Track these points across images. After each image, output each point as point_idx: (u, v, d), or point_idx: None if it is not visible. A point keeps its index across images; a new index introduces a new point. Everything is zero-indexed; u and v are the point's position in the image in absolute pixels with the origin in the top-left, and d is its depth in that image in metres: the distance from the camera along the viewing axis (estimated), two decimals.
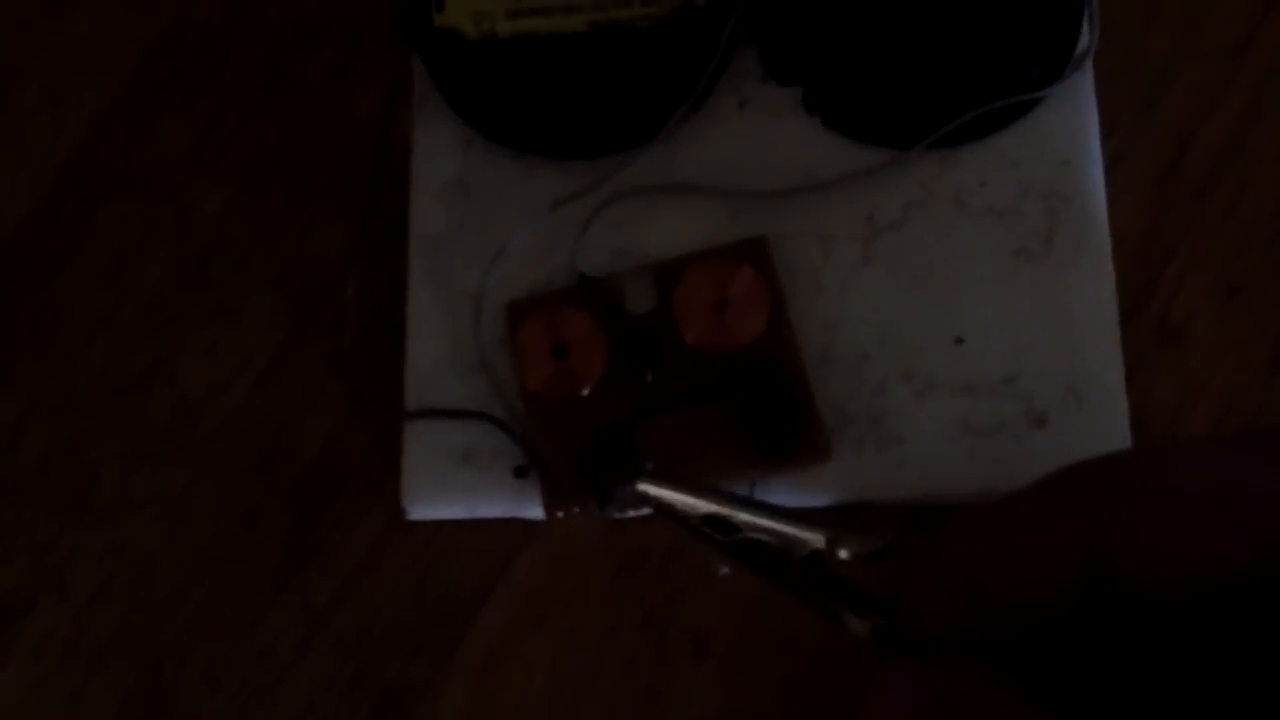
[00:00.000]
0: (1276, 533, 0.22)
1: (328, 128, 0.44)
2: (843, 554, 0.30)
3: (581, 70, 0.41)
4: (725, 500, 0.31)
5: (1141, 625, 0.23)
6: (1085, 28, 0.40)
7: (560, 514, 0.38)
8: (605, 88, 0.41)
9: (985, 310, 0.38)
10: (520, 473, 0.38)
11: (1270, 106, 0.41)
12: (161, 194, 0.44)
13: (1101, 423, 0.37)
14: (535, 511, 0.38)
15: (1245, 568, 0.22)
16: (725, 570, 0.34)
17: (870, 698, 0.25)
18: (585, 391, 0.38)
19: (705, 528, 0.32)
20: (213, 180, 0.44)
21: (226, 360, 0.42)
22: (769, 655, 0.38)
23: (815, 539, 0.30)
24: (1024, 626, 0.24)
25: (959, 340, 0.38)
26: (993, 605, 0.24)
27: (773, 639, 0.38)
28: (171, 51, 0.45)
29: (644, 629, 0.38)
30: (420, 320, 0.40)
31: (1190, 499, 0.23)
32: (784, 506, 0.31)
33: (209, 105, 0.45)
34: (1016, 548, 0.24)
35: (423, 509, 0.39)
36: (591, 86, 0.41)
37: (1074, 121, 0.40)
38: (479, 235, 0.40)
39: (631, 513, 0.37)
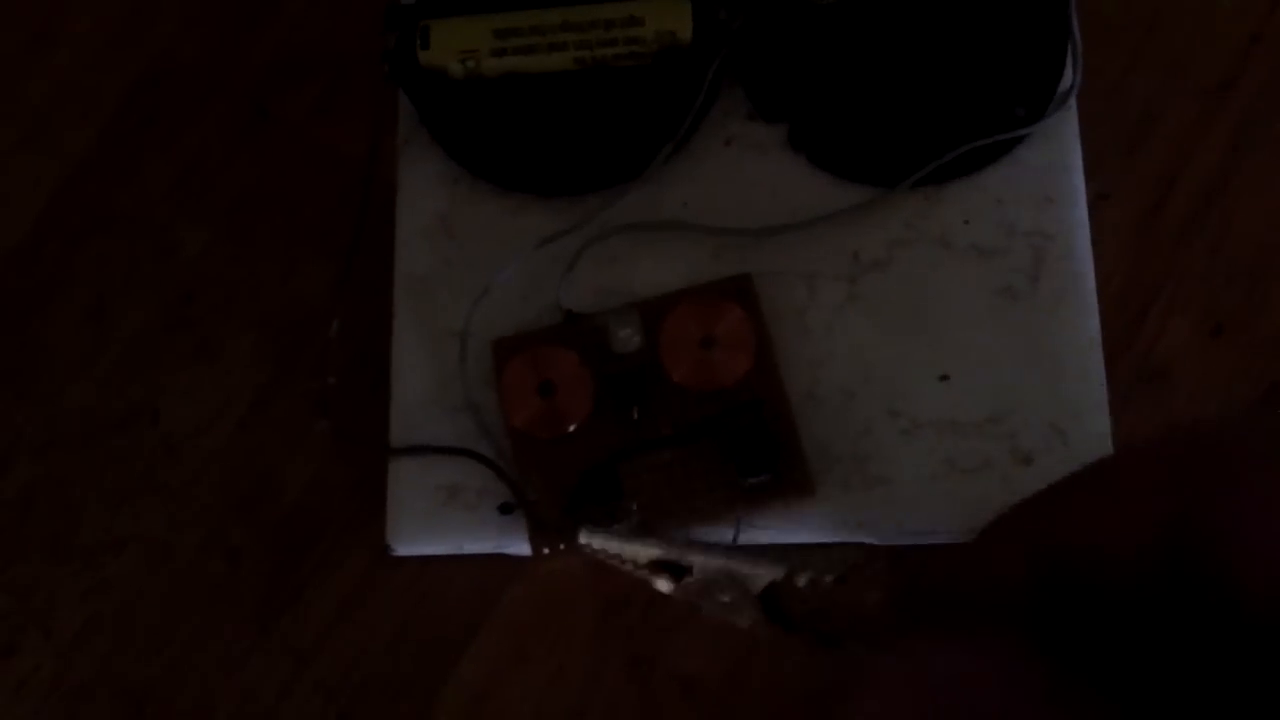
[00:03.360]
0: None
1: (312, 166, 0.44)
2: (800, 581, 0.30)
3: (567, 108, 0.41)
4: (677, 546, 0.32)
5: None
6: (1068, 66, 0.40)
7: (546, 550, 0.37)
8: (591, 126, 0.41)
9: (971, 349, 0.38)
10: (506, 509, 0.38)
11: (1253, 145, 0.41)
12: (144, 233, 0.44)
13: (1087, 462, 0.37)
14: (521, 548, 0.38)
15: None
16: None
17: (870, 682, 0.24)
18: (571, 429, 0.38)
19: (657, 569, 0.32)
20: (195, 219, 0.44)
21: (209, 399, 0.42)
22: (757, 698, 0.37)
23: (774, 572, 0.31)
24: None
25: (944, 378, 0.38)
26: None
27: (760, 682, 0.37)
28: (154, 89, 0.45)
29: (630, 670, 0.38)
30: (406, 358, 0.40)
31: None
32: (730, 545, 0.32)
33: (192, 143, 0.44)
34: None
35: (409, 545, 0.39)
36: (577, 124, 0.41)
37: (1058, 159, 0.40)
38: (465, 273, 0.40)
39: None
